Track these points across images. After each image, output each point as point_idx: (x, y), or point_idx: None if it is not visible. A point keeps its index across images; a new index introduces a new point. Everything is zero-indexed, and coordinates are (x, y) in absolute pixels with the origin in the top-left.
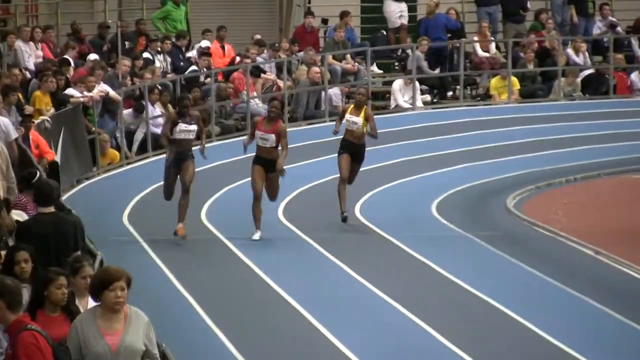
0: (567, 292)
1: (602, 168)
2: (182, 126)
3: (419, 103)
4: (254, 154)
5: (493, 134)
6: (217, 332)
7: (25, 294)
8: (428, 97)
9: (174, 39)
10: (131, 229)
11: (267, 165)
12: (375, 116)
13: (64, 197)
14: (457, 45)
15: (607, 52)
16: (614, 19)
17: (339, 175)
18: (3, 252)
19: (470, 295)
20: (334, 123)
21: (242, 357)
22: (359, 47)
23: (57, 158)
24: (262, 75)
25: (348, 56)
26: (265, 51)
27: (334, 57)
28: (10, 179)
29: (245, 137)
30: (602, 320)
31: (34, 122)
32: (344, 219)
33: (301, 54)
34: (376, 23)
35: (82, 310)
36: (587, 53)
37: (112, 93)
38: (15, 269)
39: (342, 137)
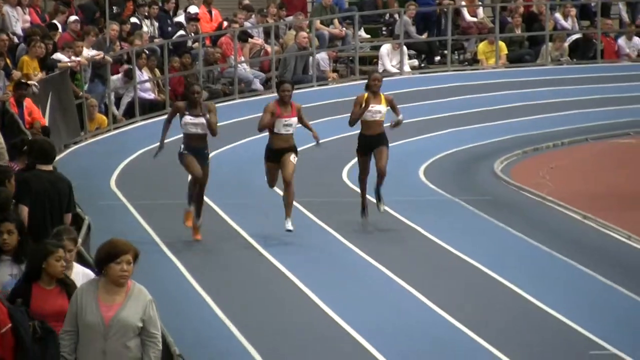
0: (554, 256)
1: (589, 133)
2: (187, 118)
3: (407, 68)
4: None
5: (480, 98)
6: (205, 296)
7: (6, 267)
8: (416, 62)
9: (161, 4)
10: (119, 194)
11: (281, 156)
12: (363, 81)
13: None
14: (445, 10)
15: (595, 17)
16: None
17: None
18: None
19: (458, 259)
20: (322, 88)
21: (227, 318)
22: (347, 12)
23: (45, 123)
24: (250, 40)
25: (336, 21)
26: (252, 16)
27: (321, 22)
28: None
29: (260, 133)
30: (590, 284)
31: (29, 89)
32: (365, 213)
33: (289, 18)
34: None
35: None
36: (575, 18)
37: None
38: None
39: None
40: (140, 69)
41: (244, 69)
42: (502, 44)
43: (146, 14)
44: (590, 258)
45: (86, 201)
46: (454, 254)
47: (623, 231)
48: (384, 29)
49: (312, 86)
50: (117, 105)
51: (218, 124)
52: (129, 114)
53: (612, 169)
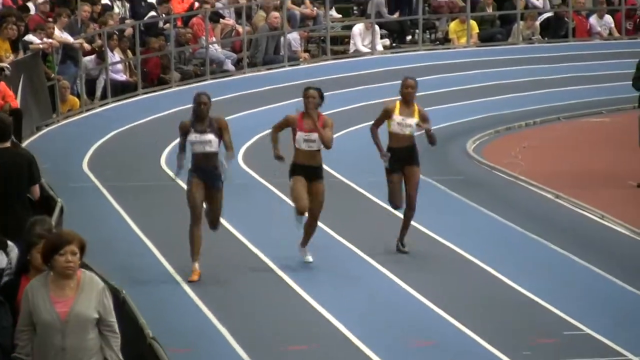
0: (527, 236)
1: (562, 112)
2: (192, 136)
3: (379, 47)
4: (291, 162)
5: (452, 78)
6: (176, 276)
7: None
8: (387, 42)
9: None
10: (91, 176)
11: (310, 174)
12: (335, 61)
13: (24, 144)
14: None
15: None
16: None
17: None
18: None
19: (430, 239)
20: (293, 68)
21: (197, 297)
22: None
23: (17, 105)
24: (221, 20)
25: (307, 1)
26: None
27: (292, 2)
28: None
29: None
30: (563, 263)
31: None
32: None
33: None
34: None
35: None
36: None
37: (72, 41)
38: None
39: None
40: (112, 51)
41: (216, 50)
42: (473, 23)
43: None
44: (563, 237)
45: (58, 183)
46: (426, 234)
47: (596, 210)
48: (355, 8)
49: (284, 66)
50: (90, 86)
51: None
52: (101, 95)
53: (584, 148)
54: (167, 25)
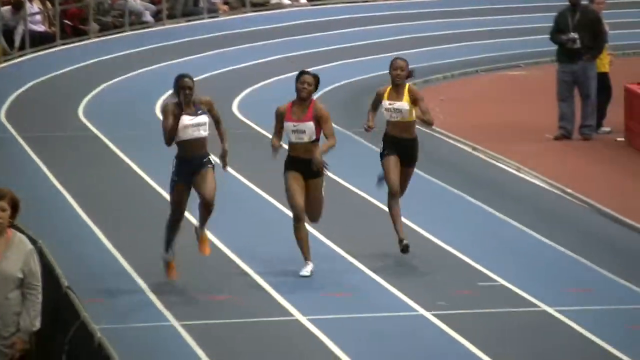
0: (444, 188)
1: (480, 65)
2: (185, 120)
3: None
4: (286, 156)
5: (371, 31)
6: (94, 227)
7: None
8: None
9: None
10: (9, 126)
11: (307, 170)
12: (255, 13)
13: None
14: None
15: None
16: None
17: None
18: None
19: (346, 190)
20: (212, 20)
21: (114, 247)
22: None
23: None
24: None
25: None
26: None
27: None
28: None
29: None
30: (479, 215)
31: None
32: (404, 249)
33: None
34: None
35: None
36: None
37: None
38: None
39: (384, 131)
40: (30, 2)
41: (135, 1)
42: None
43: None
44: (480, 189)
45: None
46: (345, 186)
47: (512, 162)
48: None
49: (203, 18)
50: (7, 37)
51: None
52: (19, 46)
53: (502, 101)
54: None
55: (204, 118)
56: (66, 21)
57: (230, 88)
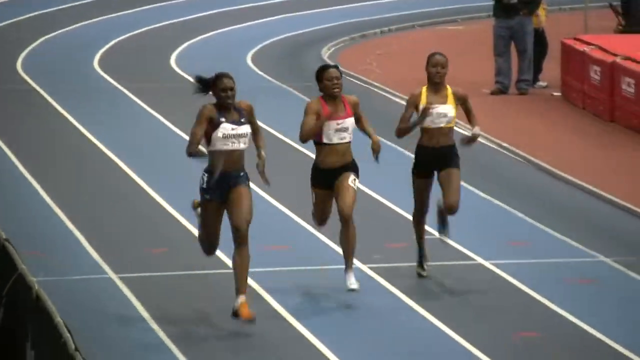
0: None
1: (417, 19)
2: (226, 128)
3: None
4: (313, 166)
5: None
6: (32, 180)
7: None
8: None
9: None
10: None
11: (334, 178)
12: None
13: None
14: None
15: None
16: None
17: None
18: None
19: (280, 141)
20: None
21: (52, 200)
22: None
23: None
24: None
25: None
26: None
27: None
28: None
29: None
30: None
31: None
32: (420, 268)
33: None
34: None
35: None
36: None
37: None
38: None
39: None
40: None
41: None
42: None
43: None
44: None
45: None
46: (278, 137)
47: None
48: None
49: None
50: None
51: (45, 11)
52: None
53: None
54: None
55: (246, 128)
56: None
57: (168, 42)
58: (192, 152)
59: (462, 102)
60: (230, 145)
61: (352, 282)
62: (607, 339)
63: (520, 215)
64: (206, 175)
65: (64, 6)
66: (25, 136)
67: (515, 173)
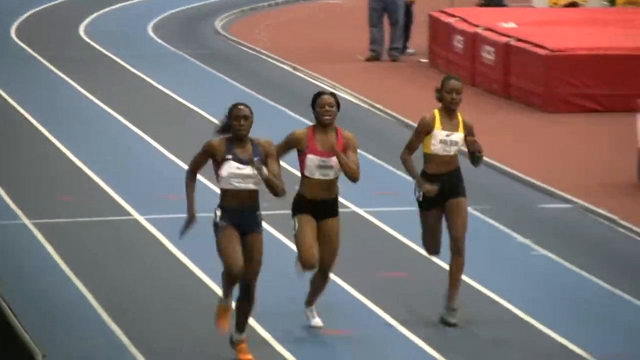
0: (267, 103)
1: None
2: (231, 166)
3: None
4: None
5: None
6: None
7: None
8: None
9: None
10: None
11: (321, 211)
12: None
13: None
14: None
15: None
16: None
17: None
18: None
19: (182, 105)
20: None
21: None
22: None
23: None
24: None
25: None
26: None
27: None
28: None
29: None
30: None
31: None
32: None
33: None
34: None
35: None
36: None
37: None
38: None
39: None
40: None
41: None
42: None
43: None
44: (298, 104)
45: None
46: (179, 101)
47: (329, 81)
48: None
49: None
50: None
51: None
52: None
53: (321, 27)
54: None
55: (252, 170)
56: None
57: (77, 13)
58: (185, 182)
59: (469, 132)
60: (235, 185)
61: (316, 320)
62: None
63: (387, 166)
64: (219, 210)
65: None
66: None
67: (384, 130)
